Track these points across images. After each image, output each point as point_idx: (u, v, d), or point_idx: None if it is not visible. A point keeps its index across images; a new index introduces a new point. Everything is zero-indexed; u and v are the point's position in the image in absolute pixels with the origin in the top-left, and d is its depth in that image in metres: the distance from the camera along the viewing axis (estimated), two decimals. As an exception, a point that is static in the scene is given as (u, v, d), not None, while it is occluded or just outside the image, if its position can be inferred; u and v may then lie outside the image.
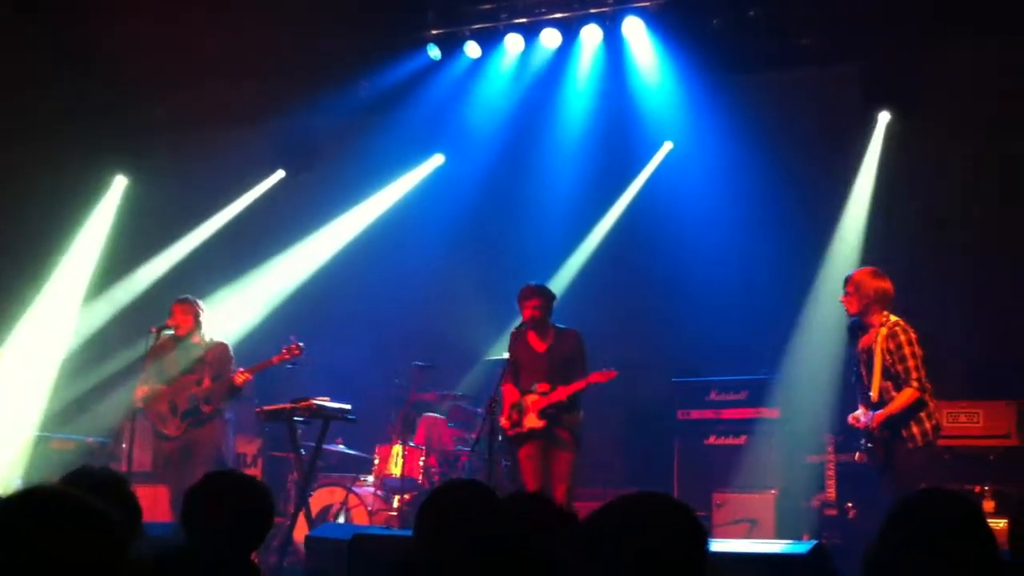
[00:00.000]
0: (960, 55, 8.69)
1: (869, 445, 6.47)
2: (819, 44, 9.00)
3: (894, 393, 6.37)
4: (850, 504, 7.67)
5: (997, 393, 7.85)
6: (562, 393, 7.40)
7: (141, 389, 7.89)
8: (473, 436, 8.26)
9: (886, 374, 6.40)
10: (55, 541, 2.14)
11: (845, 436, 7.95)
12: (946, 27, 8.60)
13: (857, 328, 6.68)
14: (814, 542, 5.48)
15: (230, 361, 7.95)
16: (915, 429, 6.33)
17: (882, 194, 9.01)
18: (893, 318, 6.47)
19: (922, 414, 6.35)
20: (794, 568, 4.80)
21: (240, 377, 7.75)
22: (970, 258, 8.55)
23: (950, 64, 8.71)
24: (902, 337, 6.37)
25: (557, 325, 7.73)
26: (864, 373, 6.54)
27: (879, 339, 6.41)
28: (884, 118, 9.09)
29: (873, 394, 6.40)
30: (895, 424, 6.35)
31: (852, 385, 6.77)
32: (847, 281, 6.65)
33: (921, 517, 2.51)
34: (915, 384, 6.31)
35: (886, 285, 6.56)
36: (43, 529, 2.14)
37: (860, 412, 6.54)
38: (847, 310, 6.68)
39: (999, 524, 6.29)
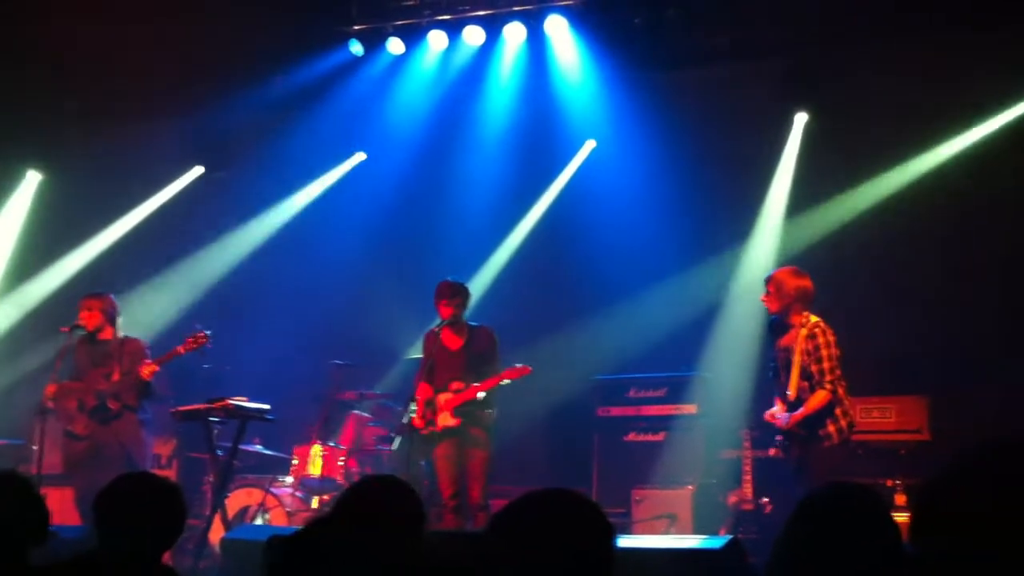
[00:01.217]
0: (876, 56, 8.85)
1: (785, 442, 6.57)
2: (737, 43, 9.12)
3: (810, 393, 6.47)
4: (766, 499, 7.78)
5: (909, 388, 8.02)
6: (475, 390, 7.39)
7: (50, 387, 7.69)
8: (393, 435, 8.22)
9: (804, 374, 6.47)
10: None
11: (761, 432, 8.08)
12: (863, 29, 8.75)
13: (777, 326, 6.75)
14: (729, 537, 5.54)
15: (143, 357, 7.76)
16: (831, 427, 6.43)
17: (799, 192, 9.16)
18: (813, 318, 6.53)
19: (837, 411, 6.45)
20: (709, 562, 4.85)
21: (146, 370, 7.55)
22: (883, 255, 8.72)
23: (866, 65, 8.86)
24: (820, 339, 6.45)
25: (470, 323, 7.73)
26: (782, 371, 6.62)
27: (799, 339, 6.48)
28: (801, 118, 9.24)
29: (791, 393, 6.48)
30: (811, 424, 6.44)
31: (769, 381, 6.85)
32: (768, 280, 6.71)
33: (825, 510, 2.54)
34: (828, 386, 6.39)
35: (806, 284, 6.63)
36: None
37: (776, 409, 6.62)
38: (768, 308, 6.74)
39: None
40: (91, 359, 7.80)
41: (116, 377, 7.64)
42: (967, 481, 2.24)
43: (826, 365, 6.42)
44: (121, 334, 7.88)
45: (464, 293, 7.67)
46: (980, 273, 8.49)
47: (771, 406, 6.71)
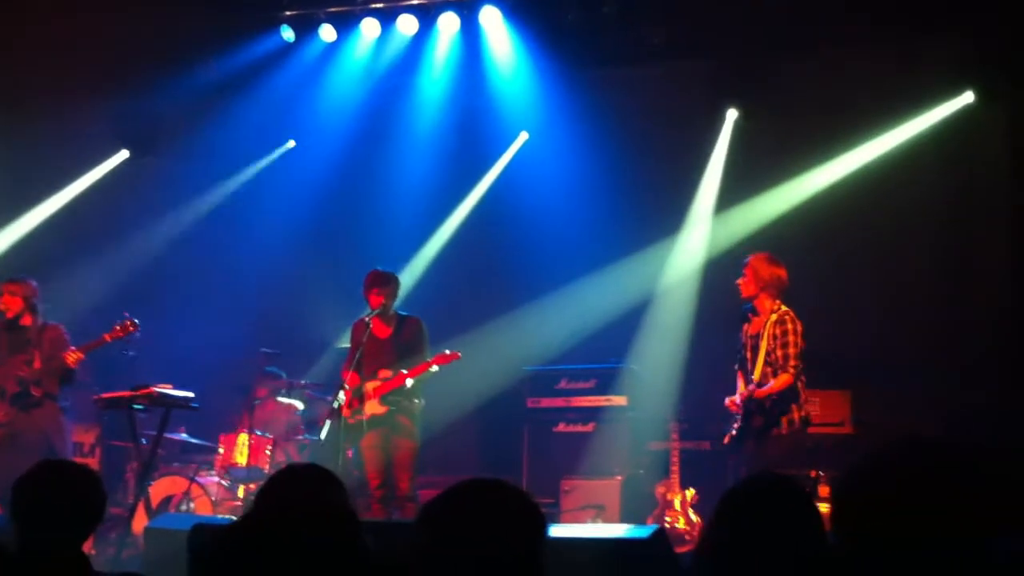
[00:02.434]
0: (805, 58, 8.98)
1: (740, 433, 6.63)
2: (669, 41, 9.17)
3: (772, 379, 6.57)
4: (692, 489, 7.87)
5: (833, 382, 8.16)
6: (402, 378, 7.35)
7: None
8: (321, 424, 8.15)
9: (768, 359, 6.59)
10: None
11: (689, 424, 8.18)
12: (795, 28, 8.87)
13: (748, 312, 6.84)
14: (655, 526, 5.59)
15: (65, 344, 7.59)
16: (783, 418, 6.54)
17: (729, 188, 9.27)
18: (784, 307, 6.66)
19: (792, 405, 6.56)
20: (635, 551, 4.88)
21: (72, 357, 7.40)
22: (810, 251, 8.85)
23: (795, 66, 9.00)
24: (789, 326, 6.58)
25: (400, 312, 7.70)
26: (749, 357, 6.71)
27: (767, 325, 6.60)
28: (732, 115, 9.35)
29: (755, 376, 6.58)
30: (767, 411, 6.54)
31: (734, 371, 6.89)
32: (744, 264, 6.81)
33: (750, 500, 2.57)
34: (792, 370, 6.51)
35: (781, 272, 6.75)
36: None
37: (739, 397, 6.71)
38: (741, 292, 6.81)
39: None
40: (10, 345, 7.62)
41: (38, 364, 7.48)
42: (882, 475, 2.29)
43: (791, 351, 6.54)
44: (40, 320, 7.71)
45: (394, 283, 7.64)
46: (906, 270, 8.68)
47: (701, 397, 6.79)
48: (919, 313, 8.57)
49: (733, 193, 9.23)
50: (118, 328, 7.53)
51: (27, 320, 7.66)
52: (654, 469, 8.22)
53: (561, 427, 8.85)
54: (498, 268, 9.84)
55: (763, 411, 6.56)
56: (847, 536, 2.35)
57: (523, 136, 10.09)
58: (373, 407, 7.40)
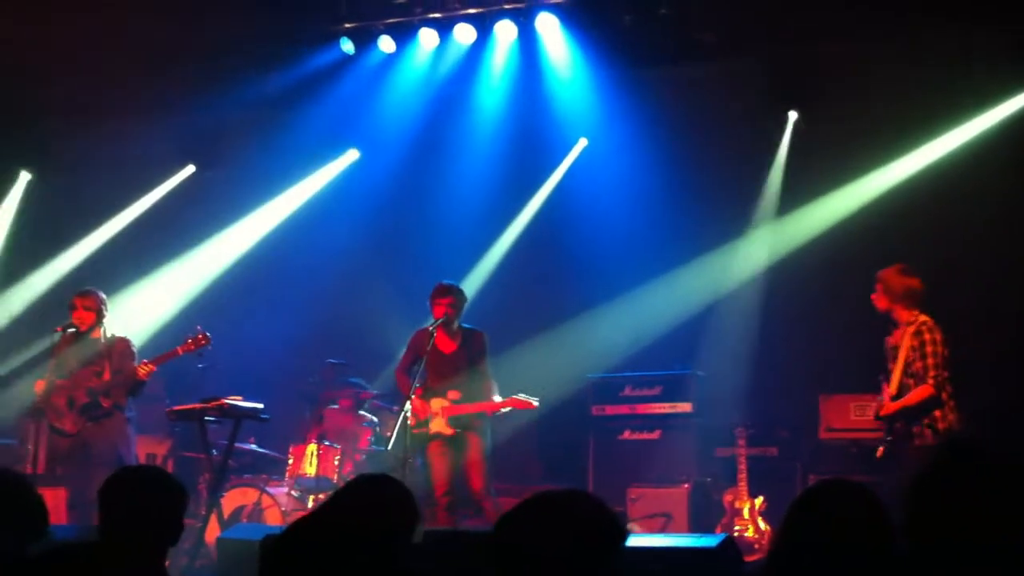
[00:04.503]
0: (867, 54, 8.86)
1: (889, 439, 6.51)
2: (727, 42, 9.11)
3: (912, 391, 6.45)
4: (762, 497, 7.79)
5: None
6: (475, 408, 7.40)
7: (40, 384, 7.68)
8: (388, 434, 8.20)
9: (907, 370, 6.48)
10: None
11: (756, 430, 8.10)
12: (855, 26, 8.76)
13: (890, 324, 6.74)
14: (724, 535, 5.54)
15: (132, 356, 7.74)
16: (925, 429, 6.38)
17: (791, 190, 9.17)
18: (923, 317, 6.55)
19: (936, 413, 6.40)
20: (704, 561, 4.85)
21: (144, 369, 7.54)
22: (879, 252, 8.70)
23: (857, 63, 8.88)
24: (926, 336, 6.45)
25: (464, 325, 7.71)
26: (892, 369, 6.60)
27: (905, 336, 6.50)
28: (792, 116, 9.26)
29: (892, 388, 6.49)
30: (907, 418, 6.41)
31: (879, 382, 6.76)
32: (876, 278, 6.72)
33: (821, 508, 2.55)
34: (931, 382, 6.37)
35: (913, 283, 6.62)
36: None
37: (875, 410, 6.64)
38: (876, 306, 6.72)
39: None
40: (79, 357, 7.77)
41: (107, 376, 7.63)
42: (950, 481, 2.26)
43: (930, 361, 6.41)
44: (109, 333, 7.86)
45: (456, 294, 7.64)
46: (977, 270, 8.49)
47: (768, 403, 6.72)
48: (989, 316, 8.38)
49: (795, 195, 9.13)
50: (190, 341, 7.65)
51: (97, 333, 7.81)
52: (721, 476, 8.15)
53: (626, 435, 8.82)
54: (560, 275, 9.83)
55: (904, 423, 6.44)
56: (917, 542, 2.32)
57: (582, 142, 10.08)
58: (440, 425, 7.44)
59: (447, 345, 7.60)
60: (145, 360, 7.63)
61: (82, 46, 9.40)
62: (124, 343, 7.85)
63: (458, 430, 7.43)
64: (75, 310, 7.78)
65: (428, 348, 7.46)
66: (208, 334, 7.67)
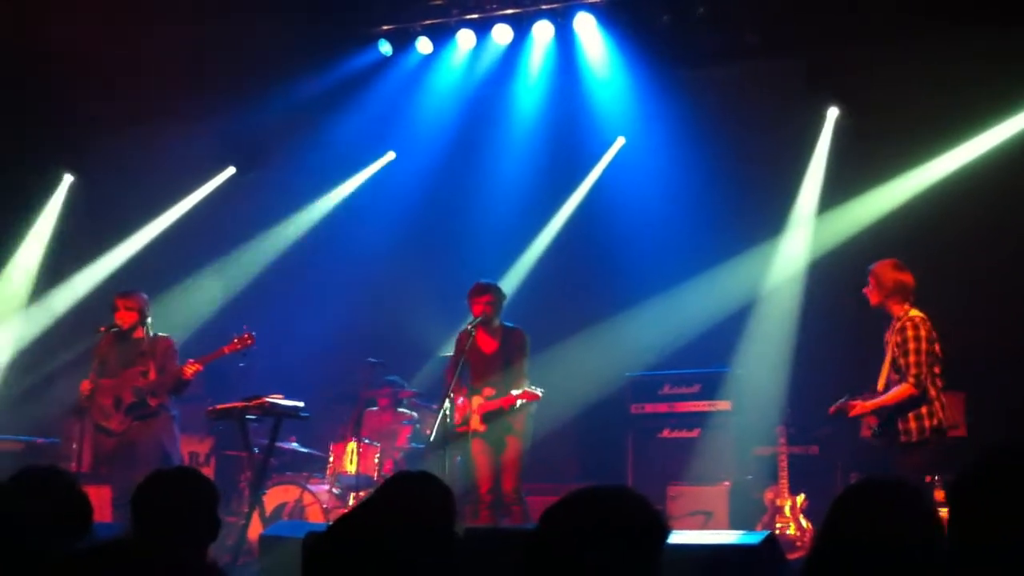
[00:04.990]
0: (906, 50, 8.78)
1: (878, 430, 6.48)
2: (764, 40, 9.07)
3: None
4: (803, 495, 7.75)
5: (945, 385, 7.94)
6: (498, 403, 7.40)
7: (86, 384, 7.77)
8: (427, 432, 8.24)
9: (894, 366, 6.43)
10: None
11: (796, 428, 8.05)
12: (893, 22, 8.69)
13: (885, 320, 6.71)
14: (766, 532, 5.52)
15: (175, 356, 7.83)
16: (912, 424, 6.31)
17: (832, 188, 9.11)
18: (912, 312, 6.47)
19: (923, 409, 6.33)
20: (746, 558, 4.84)
21: (190, 369, 7.62)
22: (917, 250, 8.63)
23: (896, 59, 8.80)
24: (909, 332, 6.35)
25: (505, 324, 7.71)
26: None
27: (893, 332, 6.48)
28: (832, 113, 9.20)
29: (879, 385, 6.46)
30: (890, 417, 6.36)
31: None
32: (869, 272, 6.68)
33: (865, 505, 2.53)
34: (911, 380, 6.28)
35: (905, 277, 6.56)
36: None
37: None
38: (869, 301, 6.68)
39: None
40: (123, 357, 7.84)
41: (153, 375, 7.71)
42: (997, 478, 2.25)
43: (912, 359, 6.32)
44: (152, 332, 7.94)
45: (494, 292, 7.65)
46: (1017, 268, 8.40)
47: (807, 402, 6.69)
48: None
49: (836, 192, 9.07)
50: (236, 341, 7.73)
51: (139, 332, 7.89)
52: (762, 474, 8.11)
53: (665, 433, 8.80)
54: (598, 274, 9.83)
55: (885, 417, 6.40)
56: (963, 540, 2.31)
57: (620, 141, 10.07)
58: (476, 423, 7.47)
59: (488, 344, 7.62)
60: (191, 359, 7.71)
61: (124, 51, 9.51)
62: (167, 342, 7.93)
63: (495, 430, 7.43)
64: (117, 311, 7.85)
65: (468, 347, 7.49)
66: (253, 333, 7.74)
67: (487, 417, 7.45)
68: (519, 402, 7.33)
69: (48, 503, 3.43)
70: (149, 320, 7.95)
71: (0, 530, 2.73)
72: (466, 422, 7.47)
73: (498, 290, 7.72)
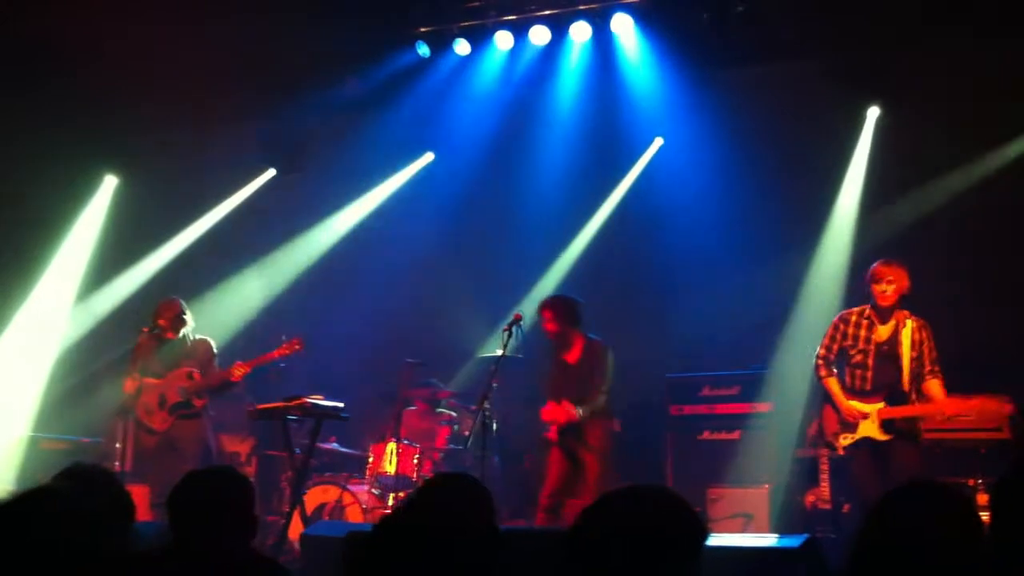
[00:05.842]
0: (948, 50, 8.69)
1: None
2: (803, 38, 9.01)
3: (922, 384, 6.66)
4: (843, 498, 7.68)
5: (988, 387, 7.86)
6: (565, 416, 7.31)
7: (130, 383, 7.89)
8: (466, 433, 8.25)
9: (917, 363, 6.68)
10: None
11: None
12: (933, 22, 8.60)
13: (875, 319, 6.83)
14: (806, 535, 5.49)
15: (214, 358, 8.07)
16: (918, 424, 6.57)
17: (872, 188, 9.03)
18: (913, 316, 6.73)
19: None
20: (786, 560, 4.82)
21: (239, 371, 7.78)
22: (958, 252, 8.57)
23: (937, 59, 8.71)
24: (928, 332, 6.69)
25: (589, 336, 7.61)
26: (871, 363, 6.69)
27: (907, 332, 6.58)
28: (873, 112, 9.13)
29: (904, 384, 6.65)
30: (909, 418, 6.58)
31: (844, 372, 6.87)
32: (888, 268, 6.82)
33: (908, 509, 2.51)
34: (943, 378, 6.63)
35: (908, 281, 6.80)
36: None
37: (855, 403, 6.70)
38: (881, 300, 6.79)
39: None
40: (166, 358, 8.02)
41: (198, 377, 7.86)
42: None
43: (936, 356, 6.70)
44: (191, 335, 8.09)
45: (552, 306, 7.55)
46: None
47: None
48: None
49: (876, 192, 8.99)
50: (286, 346, 7.84)
51: (179, 335, 8.08)
52: (802, 477, 8.04)
53: (705, 435, 8.75)
54: (637, 274, 9.80)
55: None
56: (1005, 543, 2.28)
57: (658, 141, 10.04)
58: (553, 432, 7.44)
59: (571, 355, 7.57)
60: (239, 362, 7.85)
61: (167, 53, 9.60)
62: (205, 344, 8.11)
63: (568, 443, 7.36)
64: (158, 315, 8.02)
65: (553, 359, 7.51)
66: (302, 338, 7.83)
67: (560, 428, 7.41)
68: (579, 417, 7.25)
69: (92, 501, 3.47)
70: (190, 324, 8.09)
71: (45, 528, 2.77)
72: (547, 429, 7.46)
73: (557, 302, 7.61)
